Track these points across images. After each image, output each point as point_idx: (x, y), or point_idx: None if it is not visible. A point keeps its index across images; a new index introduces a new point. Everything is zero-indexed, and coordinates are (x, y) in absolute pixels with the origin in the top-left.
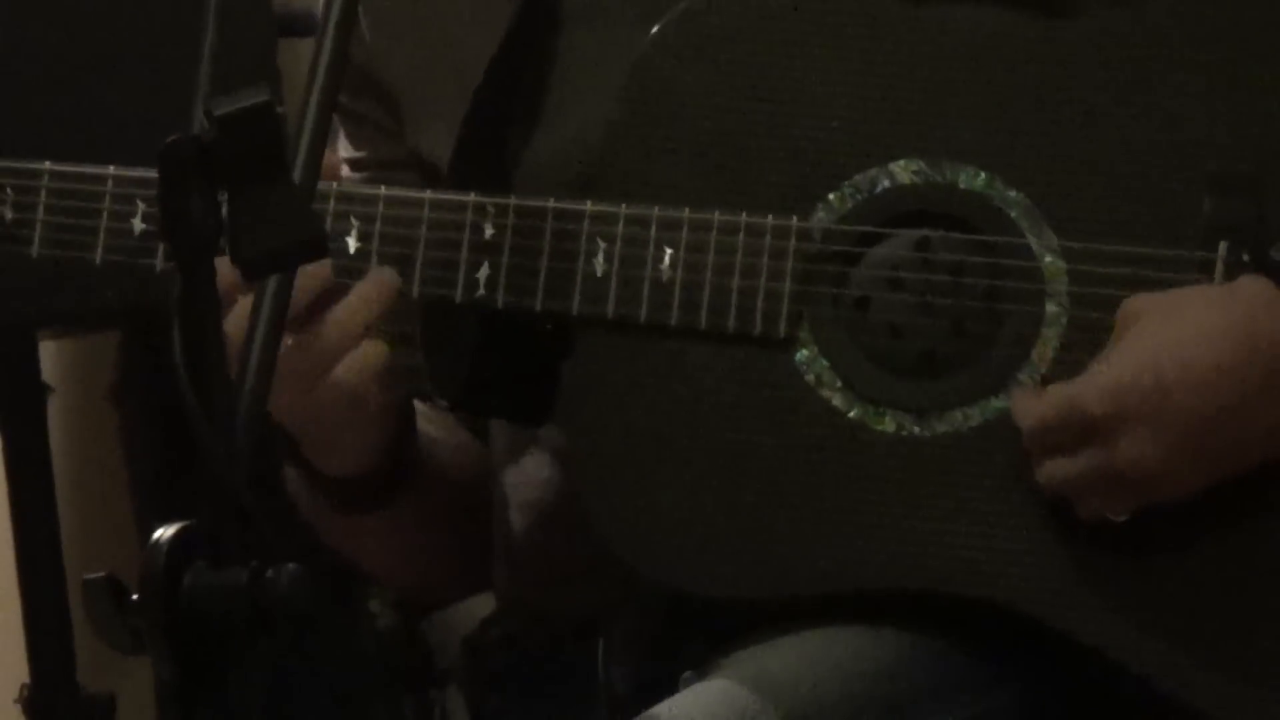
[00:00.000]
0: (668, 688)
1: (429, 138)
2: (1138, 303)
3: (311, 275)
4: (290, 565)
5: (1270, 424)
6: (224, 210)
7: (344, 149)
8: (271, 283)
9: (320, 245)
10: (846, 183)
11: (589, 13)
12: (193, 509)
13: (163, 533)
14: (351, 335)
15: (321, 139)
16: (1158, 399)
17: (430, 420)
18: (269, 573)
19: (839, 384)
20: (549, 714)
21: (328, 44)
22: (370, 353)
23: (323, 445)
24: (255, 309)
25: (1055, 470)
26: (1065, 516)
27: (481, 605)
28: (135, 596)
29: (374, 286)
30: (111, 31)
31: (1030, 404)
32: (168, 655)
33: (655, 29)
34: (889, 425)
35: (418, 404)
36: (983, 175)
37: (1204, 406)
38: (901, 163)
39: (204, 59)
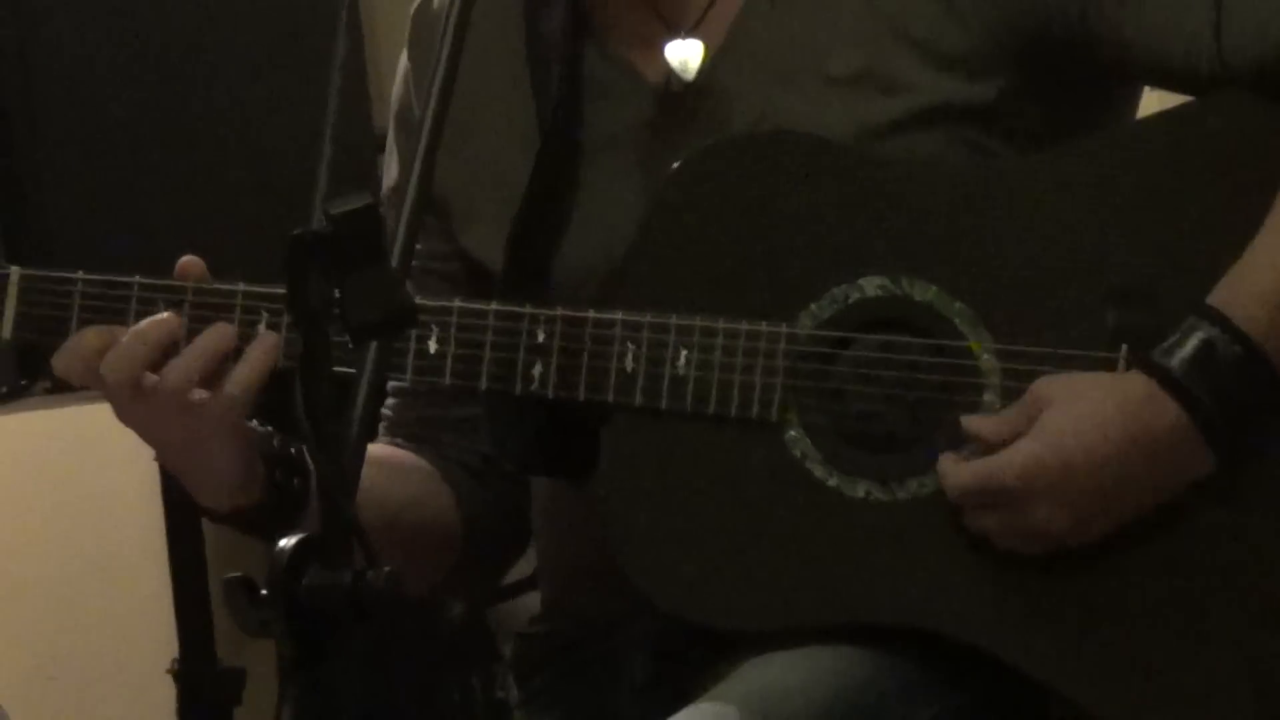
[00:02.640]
0: (676, 679)
1: (474, 239)
2: (1045, 387)
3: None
4: (385, 569)
5: (1151, 488)
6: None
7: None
8: (373, 347)
9: (411, 317)
10: (825, 294)
11: (604, 142)
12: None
13: (286, 542)
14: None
15: (413, 234)
16: (1061, 475)
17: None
18: (368, 574)
19: (820, 458)
20: (581, 694)
21: (417, 164)
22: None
23: (201, 480)
24: (360, 367)
25: (977, 521)
26: (1005, 564)
27: (529, 602)
28: (264, 592)
29: (259, 349)
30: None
31: (952, 470)
32: (288, 638)
33: (674, 165)
34: (860, 491)
35: None
36: (933, 288)
37: (1098, 481)
38: (868, 279)
39: (322, 168)
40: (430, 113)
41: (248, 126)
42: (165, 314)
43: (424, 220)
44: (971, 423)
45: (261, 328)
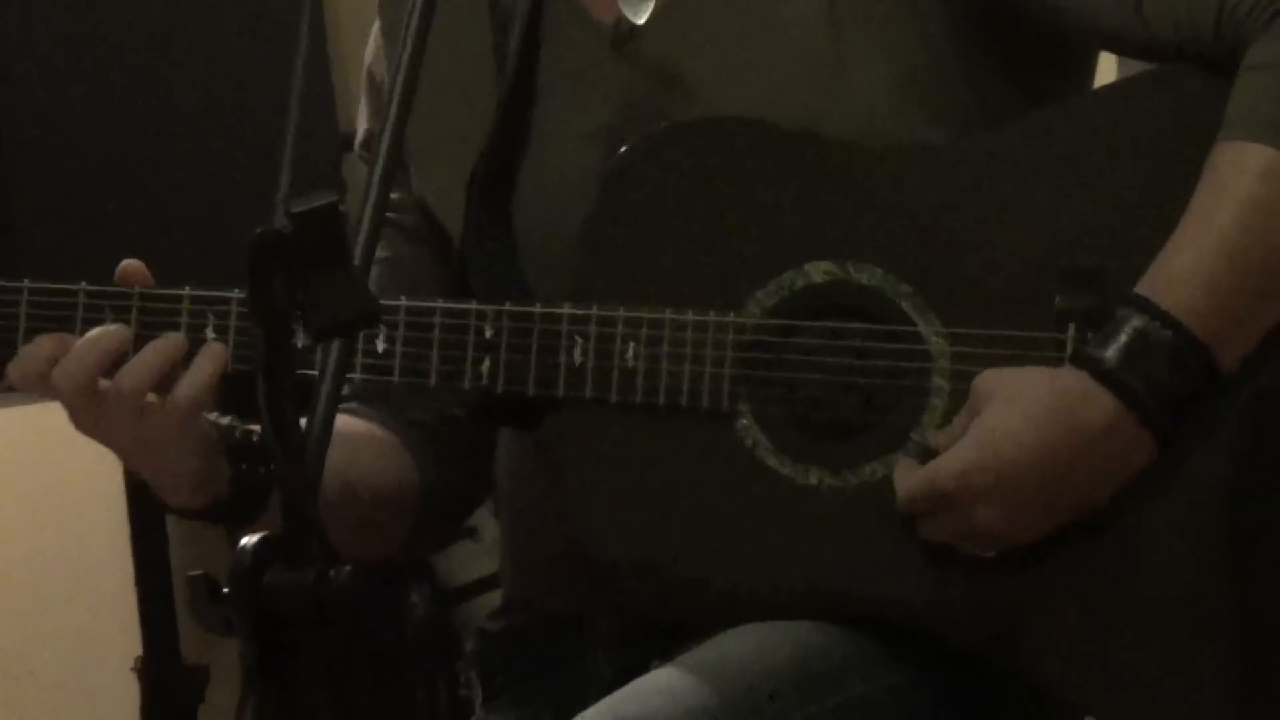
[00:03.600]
0: (640, 672)
1: (431, 188)
2: (986, 382)
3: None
4: (347, 567)
5: (1093, 482)
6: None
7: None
8: (335, 345)
9: (374, 317)
10: (772, 281)
11: (557, 83)
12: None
13: (248, 540)
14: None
15: (375, 233)
16: (997, 477)
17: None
18: (331, 573)
19: (772, 446)
20: (545, 691)
21: (380, 160)
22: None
23: (163, 482)
24: (321, 367)
25: (926, 528)
26: (953, 551)
27: (493, 600)
28: (226, 590)
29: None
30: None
31: (901, 480)
32: (251, 637)
33: (623, 149)
34: (813, 479)
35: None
36: (879, 272)
37: (1036, 480)
38: (815, 264)
39: (284, 167)
40: (397, 93)
41: (211, 126)
42: (115, 325)
43: None
44: (931, 438)
45: (209, 333)
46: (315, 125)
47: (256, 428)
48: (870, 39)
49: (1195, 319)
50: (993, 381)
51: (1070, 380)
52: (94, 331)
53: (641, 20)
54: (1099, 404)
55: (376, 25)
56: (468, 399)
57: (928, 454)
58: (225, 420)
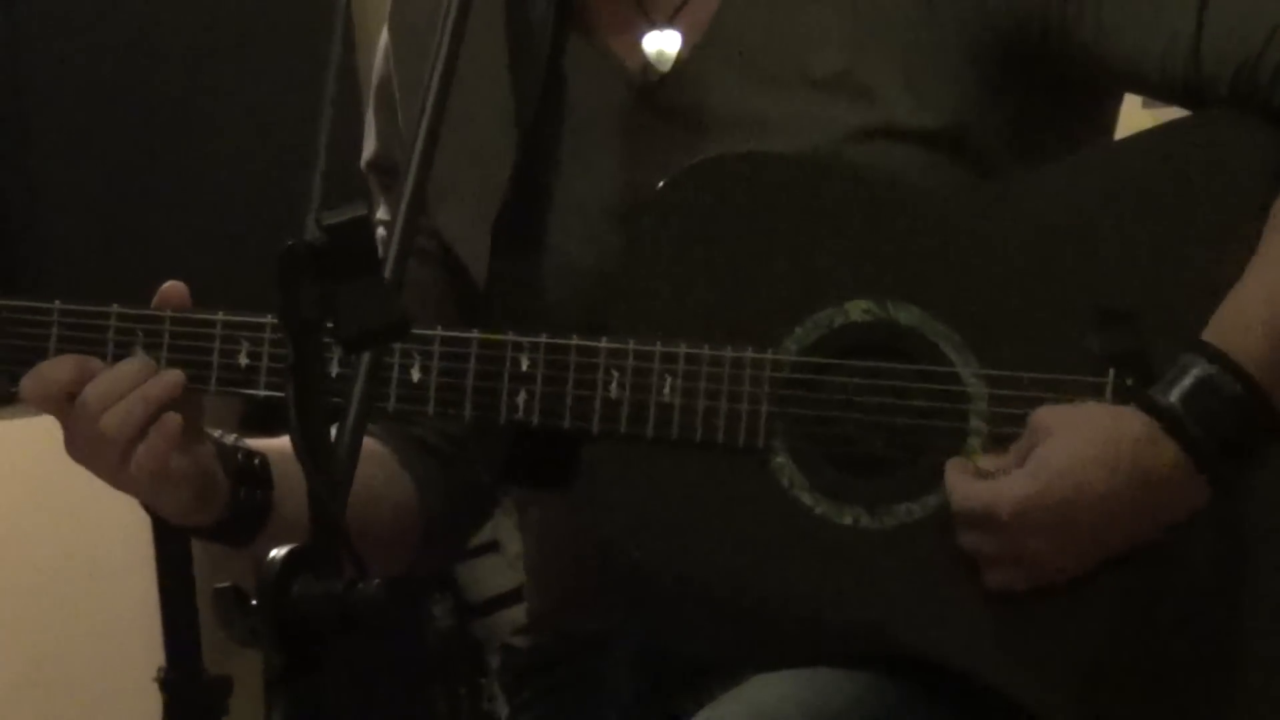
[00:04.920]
0: (660, 699)
1: (448, 221)
2: (1046, 417)
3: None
4: (374, 579)
5: (1146, 525)
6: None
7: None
8: (366, 356)
9: (404, 328)
10: (810, 318)
11: (582, 129)
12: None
13: (277, 552)
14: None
15: (406, 247)
16: (1056, 514)
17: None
18: (358, 585)
19: (807, 485)
20: (567, 710)
21: (411, 176)
22: (163, 429)
23: (158, 504)
24: (356, 377)
25: (971, 541)
26: (993, 591)
27: (515, 614)
28: (254, 602)
29: (157, 386)
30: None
31: (959, 485)
32: (277, 648)
33: (661, 183)
34: (848, 519)
35: None
36: (919, 312)
37: (1092, 520)
38: (854, 303)
39: (315, 180)
40: (426, 118)
41: (241, 137)
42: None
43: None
44: (980, 462)
45: (243, 358)
46: (344, 138)
47: (259, 447)
48: (899, 85)
49: (1269, 374)
50: (1052, 416)
51: (1135, 425)
52: (152, 387)
53: (667, 66)
54: (1163, 451)
55: (384, 40)
56: (490, 467)
57: (977, 473)
58: (230, 439)
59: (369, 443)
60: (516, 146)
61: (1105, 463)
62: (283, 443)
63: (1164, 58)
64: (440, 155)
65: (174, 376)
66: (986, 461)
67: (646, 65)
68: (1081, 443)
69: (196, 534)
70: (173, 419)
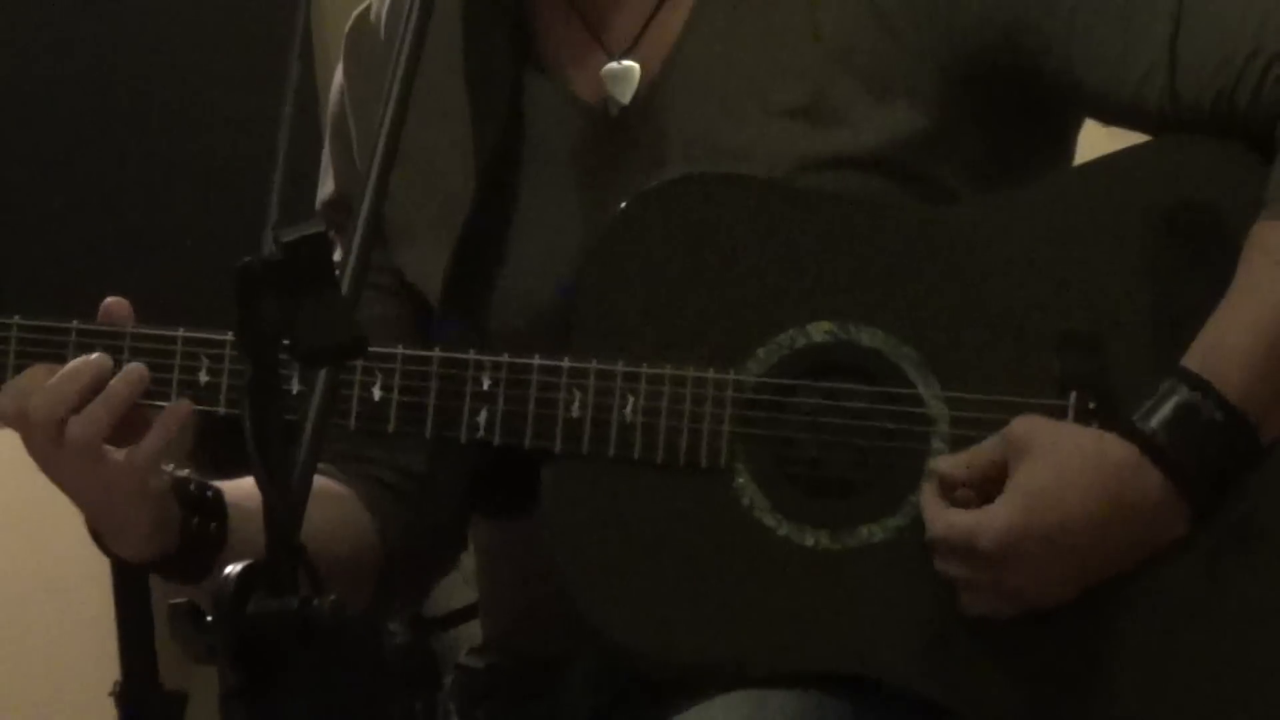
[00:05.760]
0: (616, 715)
1: (409, 257)
2: (1025, 431)
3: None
4: (330, 595)
5: (1126, 552)
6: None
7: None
8: (324, 373)
9: (361, 345)
10: (772, 340)
11: (543, 163)
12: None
13: (233, 568)
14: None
15: (364, 264)
16: (1038, 545)
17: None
18: (314, 601)
19: (769, 506)
20: None
21: (370, 191)
22: (107, 399)
23: (114, 531)
24: (312, 393)
25: (950, 569)
26: (952, 614)
27: (472, 629)
28: (210, 618)
29: (169, 415)
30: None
31: (939, 516)
32: (234, 665)
33: (622, 205)
34: (809, 540)
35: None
36: (880, 334)
37: (1074, 550)
38: (816, 324)
39: (273, 195)
40: (382, 141)
41: (198, 150)
42: (97, 355)
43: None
44: (942, 464)
45: (203, 375)
46: (303, 153)
47: (213, 482)
48: (862, 114)
49: (1250, 402)
50: (1031, 431)
51: (1117, 451)
52: (75, 362)
53: (626, 99)
54: (1146, 478)
55: (338, 76)
56: (452, 490)
57: (941, 484)
58: (183, 473)
59: (329, 483)
60: (475, 182)
61: (1088, 490)
62: (238, 483)
63: (1139, 90)
64: (401, 196)
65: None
66: (948, 463)
67: (606, 98)
68: (1064, 469)
69: (151, 567)
70: (118, 388)
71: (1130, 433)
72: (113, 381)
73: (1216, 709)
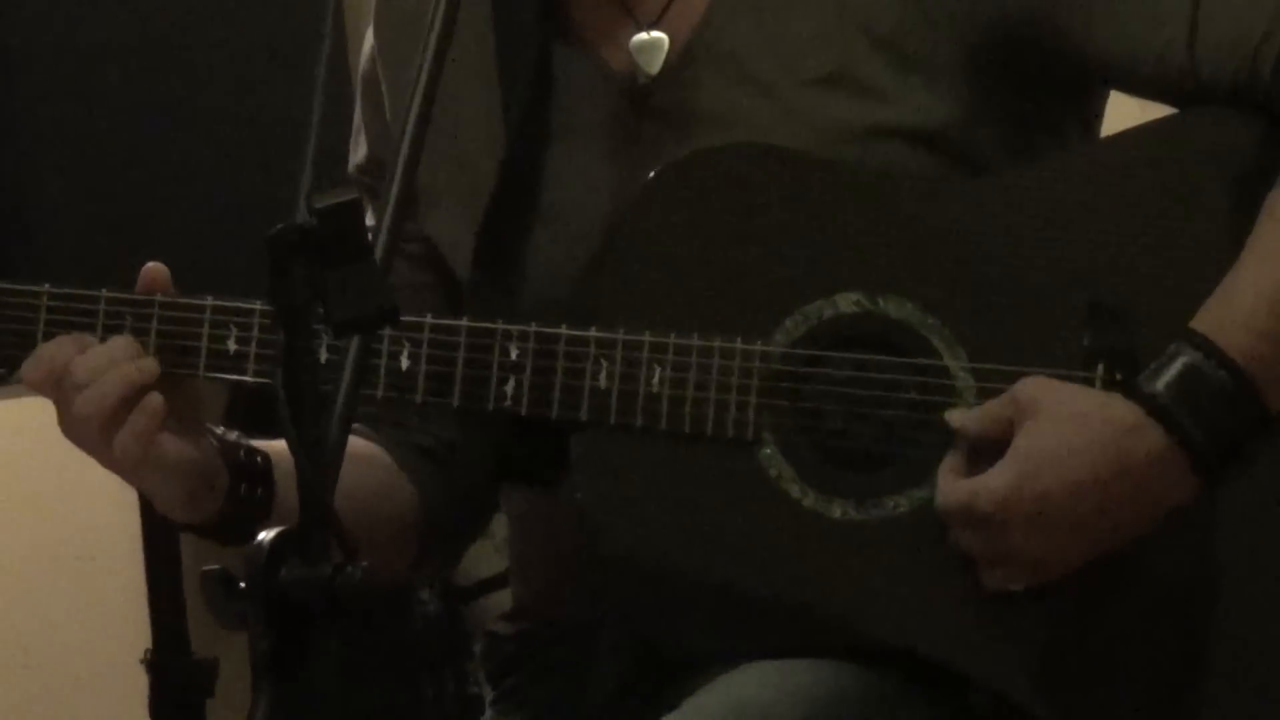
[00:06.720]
0: (646, 686)
1: (437, 224)
2: (1030, 391)
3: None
4: (363, 563)
5: (1133, 516)
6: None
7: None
8: (356, 340)
9: (394, 313)
10: (799, 310)
11: (571, 133)
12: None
13: (265, 535)
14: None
15: (397, 232)
16: (1038, 505)
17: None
18: (347, 569)
19: (795, 476)
20: (552, 697)
21: (401, 163)
22: (146, 409)
23: (159, 498)
24: (342, 363)
25: (961, 539)
26: (973, 586)
27: (503, 598)
28: (242, 585)
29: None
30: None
31: (945, 485)
32: (265, 632)
33: (650, 175)
34: (835, 511)
35: None
36: (908, 305)
37: (1076, 510)
38: (844, 295)
39: (307, 163)
40: (413, 114)
41: (230, 124)
42: (148, 360)
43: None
44: (954, 416)
45: (231, 344)
46: (335, 123)
47: (262, 445)
48: (889, 85)
49: (1254, 363)
50: (1038, 392)
51: (1121, 411)
52: (128, 367)
53: (655, 70)
54: (1149, 438)
55: (369, 39)
56: (484, 458)
57: (955, 436)
58: (232, 436)
59: (368, 446)
60: (504, 151)
61: (1090, 449)
62: (282, 445)
63: (1160, 63)
64: (429, 162)
65: (149, 364)
66: (961, 416)
67: (634, 68)
68: (1064, 430)
69: (194, 530)
70: (155, 399)
71: (1134, 394)
72: (127, 363)
73: (1247, 681)
